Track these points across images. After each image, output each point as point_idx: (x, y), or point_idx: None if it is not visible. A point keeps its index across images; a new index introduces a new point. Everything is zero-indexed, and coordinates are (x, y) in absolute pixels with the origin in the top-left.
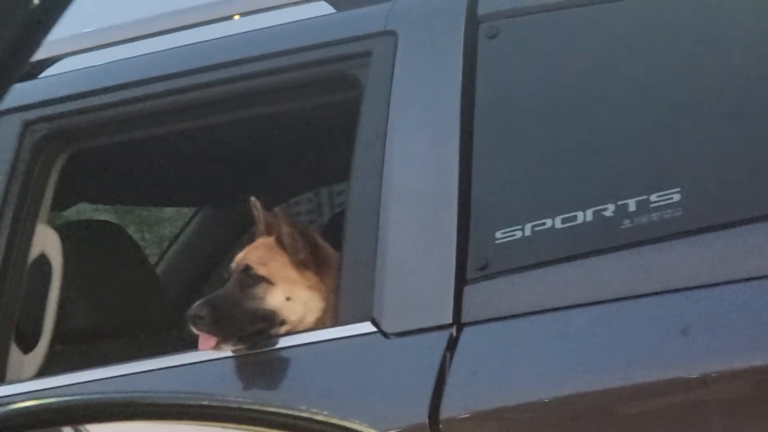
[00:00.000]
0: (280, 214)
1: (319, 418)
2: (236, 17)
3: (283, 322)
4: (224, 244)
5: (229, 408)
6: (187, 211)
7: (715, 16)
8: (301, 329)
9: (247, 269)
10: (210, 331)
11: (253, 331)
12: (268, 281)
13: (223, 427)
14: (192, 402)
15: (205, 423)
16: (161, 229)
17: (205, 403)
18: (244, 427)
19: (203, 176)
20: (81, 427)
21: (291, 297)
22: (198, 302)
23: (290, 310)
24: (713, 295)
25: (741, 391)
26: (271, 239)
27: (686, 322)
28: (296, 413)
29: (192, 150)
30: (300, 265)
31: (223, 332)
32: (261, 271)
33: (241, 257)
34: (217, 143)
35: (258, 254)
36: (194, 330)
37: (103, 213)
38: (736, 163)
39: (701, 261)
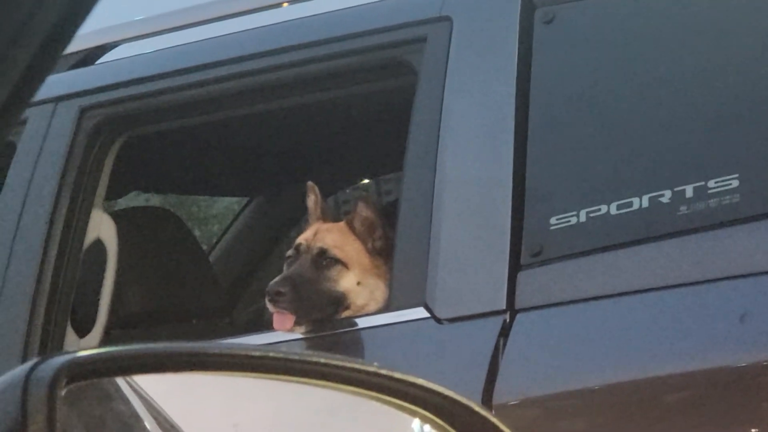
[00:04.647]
0: (364, 201)
1: (373, 370)
2: (285, 5)
3: (348, 307)
4: (275, 233)
5: (292, 361)
6: (236, 208)
7: None
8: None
9: (322, 251)
10: (289, 309)
11: (325, 314)
12: (344, 264)
13: (284, 380)
14: (259, 354)
15: (266, 376)
16: (210, 226)
17: (272, 355)
18: (308, 380)
19: (255, 165)
20: (131, 379)
21: (361, 282)
22: (277, 278)
23: (358, 295)
24: None
25: None
26: (342, 224)
27: (744, 309)
28: (358, 366)
29: (245, 138)
30: (372, 252)
31: (300, 312)
32: (337, 254)
33: (311, 238)
34: (270, 131)
35: (333, 237)
36: (272, 307)
37: None
38: None
39: (760, 247)
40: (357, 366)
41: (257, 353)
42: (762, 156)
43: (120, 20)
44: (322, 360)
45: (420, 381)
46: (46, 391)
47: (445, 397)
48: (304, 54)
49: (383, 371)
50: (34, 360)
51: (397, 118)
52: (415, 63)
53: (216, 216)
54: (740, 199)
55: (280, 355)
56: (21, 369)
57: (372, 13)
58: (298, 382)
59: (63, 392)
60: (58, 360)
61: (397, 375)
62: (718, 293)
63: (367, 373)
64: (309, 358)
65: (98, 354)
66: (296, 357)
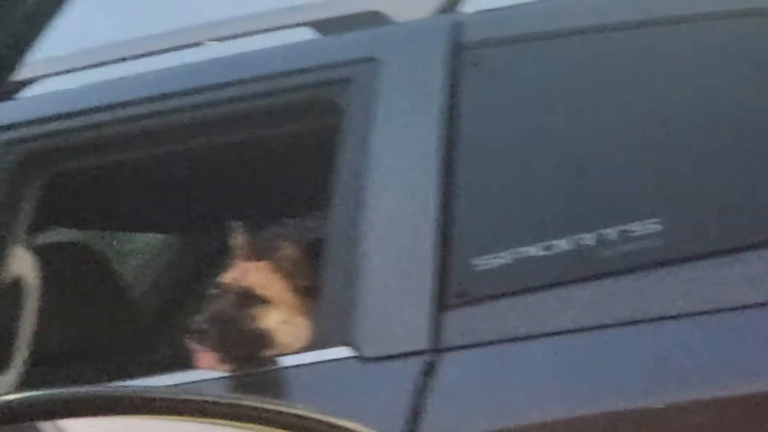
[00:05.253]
0: (289, 240)
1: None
2: (206, 44)
3: (272, 345)
4: (198, 271)
5: (220, 404)
6: (156, 243)
7: (700, 49)
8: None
9: (246, 289)
10: (213, 348)
11: (248, 352)
12: (268, 302)
13: (214, 423)
14: (192, 397)
15: (198, 419)
16: (129, 261)
17: (207, 399)
18: (245, 425)
19: (179, 202)
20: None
21: (286, 320)
22: (201, 316)
23: (283, 334)
24: (692, 327)
25: (717, 421)
26: (267, 263)
27: (664, 352)
28: (294, 411)
29: (168, 175)
30: (297, 291)
31: (224, 350)
32: (262, 292)
33: (237, 277)
34: (194, 168)
35: (257, 275)
36: (196, 345)
37: None
38: (718, 194)
39: (680, 291)
40: (291, 410)
41: (194, 397)
42: (684, 201)
43: (43, 55)
44: (260, 404)
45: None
46: None
47: None
48: (230, 92)
49: (313, 415)
50: None
51: (322, 158)
52: (341, 103)
53: (135, 251)
54: (662, 242)
55: (216, 399)
56: None
57: (299, 53)
58: (235, 426)
59: None
60: None
61: (326, 419)
62: (641, 336)
63: (299, 417)
64: (246, 403)
65: (30, 397)
66: (234, 401)
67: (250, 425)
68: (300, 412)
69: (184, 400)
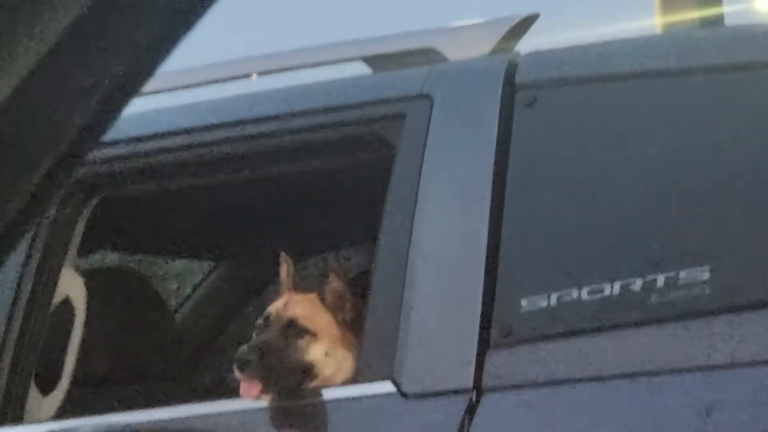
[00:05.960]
0: (335, 273)
1: None
2: (254, 76)
3: (315, 377)
4: (241, 299)
5: None
6: (197, 269)
7: (756, 96)
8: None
9: (292, 321)
10: (256, 378)
11: (292, 383)
12: (313, 335)
13: None
14: None
15: None
16: (169, 285)
17: None
18: None
19: (226, 230)
20: None
21: (330, 353)
22: (246, 345)
23: (326, 366)
24: (739, 377)
25: None
26: (313, 295)
27: (710, 402)
28: None
29: (216, 204)
30: (342, 324)
31: (267, 380)
32: (307, 324)
33: (281, 308)
34: (243, 198)
35: (303, 308)
36: (239, 374)
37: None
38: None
39: (728, 340)
40: None
41: None
42: (733, 249)
43: None
44: None
45: None
46: None
47: None
48: (282, 124)
49: None
50: None
51: (372, 192)
52: (393, 139)
53: (177, 276)
54: (710, 291)
55: None
56: None
57: (353, 87)
58: None
59: None
60: None
61: None
62: (686, 385)
63: None
64: None
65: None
66: None
67: None
68: None
69: None
